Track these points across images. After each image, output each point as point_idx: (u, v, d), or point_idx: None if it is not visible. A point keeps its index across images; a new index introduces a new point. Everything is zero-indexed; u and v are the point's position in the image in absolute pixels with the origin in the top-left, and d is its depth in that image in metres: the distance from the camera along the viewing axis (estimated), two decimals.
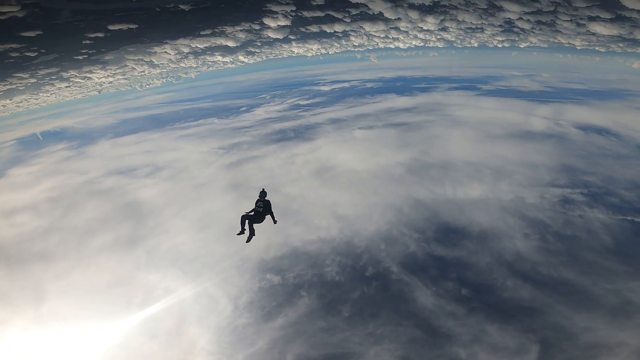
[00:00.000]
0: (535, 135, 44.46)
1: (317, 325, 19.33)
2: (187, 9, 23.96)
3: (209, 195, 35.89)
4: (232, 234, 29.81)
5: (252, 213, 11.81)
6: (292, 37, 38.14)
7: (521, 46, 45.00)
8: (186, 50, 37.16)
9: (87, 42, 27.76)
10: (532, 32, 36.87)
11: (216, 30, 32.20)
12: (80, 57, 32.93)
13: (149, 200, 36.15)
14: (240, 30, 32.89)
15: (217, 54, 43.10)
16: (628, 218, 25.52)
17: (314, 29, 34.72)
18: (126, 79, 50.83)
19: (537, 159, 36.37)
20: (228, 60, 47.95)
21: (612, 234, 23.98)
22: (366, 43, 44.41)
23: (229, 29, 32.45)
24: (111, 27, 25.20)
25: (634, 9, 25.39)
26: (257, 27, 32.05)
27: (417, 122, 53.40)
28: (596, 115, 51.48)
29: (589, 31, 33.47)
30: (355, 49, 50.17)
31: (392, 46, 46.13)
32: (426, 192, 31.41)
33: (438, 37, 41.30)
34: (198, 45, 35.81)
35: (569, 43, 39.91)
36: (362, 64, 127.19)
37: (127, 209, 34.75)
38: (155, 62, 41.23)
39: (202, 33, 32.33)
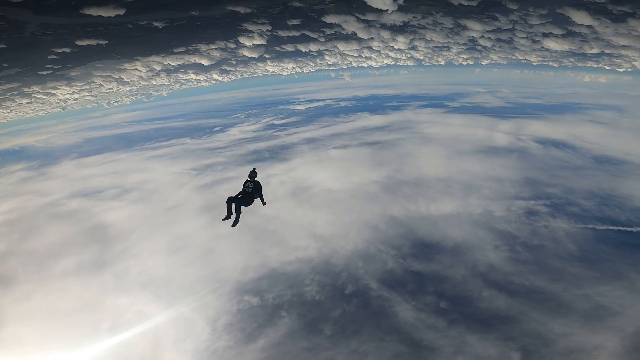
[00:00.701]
0: (499, 150, 46.90)
1: (300, 345, 18.94)
2: (160, 26, 23.78)
3: (181, 218, 34.76)
4: (206, 257, 28.67)
5: (240, 195, 11.25)
6: (267, 56, 38.69)
7: (483, 63, 48.27)
8: (158, 67, 36.60)
9: (53, 57, 26.77)
10: (492, 49, 39.74)
11: (190, 48, 32.08)
12: (45, 73, 31.63)
13: (116, 223, 34.41)
14: (215, 49, 32.98)
15: (190, 71, 42.79)
16: (589, 226, 27.18)
17: (289, 48, 35.47)
18: (93, 95, 49.08)
19: (502, 173, 38.23)
20: (202, 79, 47.69)
21: (575, 242, 25.32)
22: (340, 62, 45.85)
23: (203, 47, 32.44)
24: (79, 42, 24.41)
25: (582, 25, 27.94)
26: (233, 46, 32.29)
27: (390, 140, 54.83)
28: (553, 129, 55.40)
29: (543, 47, 36.46)
30: (330, 68, 51.58)
31: (365, 65, 47.99)
32: (401, 209, 32.03)
33: (408, 55, 43.48)
34: (171, 63, 35.44)
35: (525, 59, 43.27)
36: (336, 83, 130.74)
37: (93, 232, 32.97)
38: (125, 79, 40.24)
39: (175, 50, 32.06)
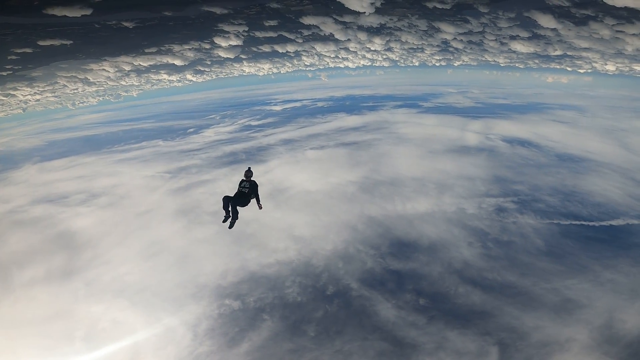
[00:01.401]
0: (469, 149, 48.71)
1: (285, 348, 18.86)
2: (131, 27, 22.90)
3: (155, 223, 33.49)
4: (184, 262, 27.95)
5: (235, 195, 10.95)
6: (243, 56, 38.26)
7: (455, 64, 50.43)
8: (128, 68, 35.24)
9: (13, 57, 25.24)
10: (464, 51, 41.63)
11: (162, 48, 31.15)
12: (4, 73, 29.77)
13: (85, 229, 32.77)
14: (189, 49, 32.25)
15: (162, 72, 41.47)
16: (554, 221, 28.80)
17: (266, 48, 35.28)
18: (56, 96, 46.44)
19: (473, 172, 39.76)
20: (175, 79, 46.38)
21: (542, 237, 26.70)
22: (317, 62, 46.15)
23: (176, 47, 31.60)
24: (42, 43, 23.10)
25: (547, 28, 29.75)
26: (207, 46, 31.69)
27: (367, 140, 55.48)
28: (519, 128, 58.40)
29: (510, 49, 38.65)
30: (307, 68, 51.75)
31: (342, 65, 48.60)
32: (378, 208, 32.52)
33: (384, 56, 44.51)
34: (142, 63, 34.25)
35: (494, 60, 45.69)
36: (313, 83, 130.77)
37: (60, 239, 31.26)
38: (92, 80, 38.44)
39: (146, 51, 30.99)
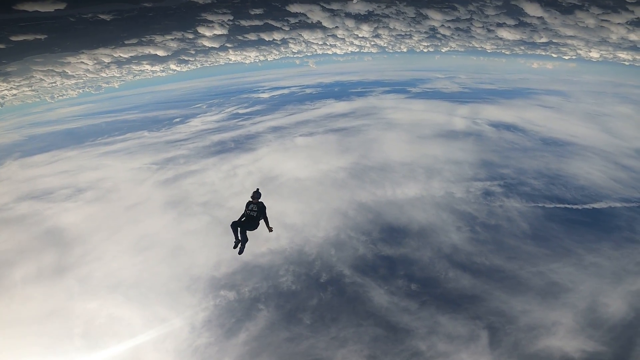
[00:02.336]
0: (457, 134, 49.42)
1: (281, 336, 19.19)
2: (108, 19, 21.98)
3: (145, 216, 33.13)
4: (176, 255, 27.75)
5: (244, 219, 10.61)
6: (229, 45, 37.40)
7: (443, 50, 50.58)
8: (107, 60, 34.03)
9: None
10: (451, 37, 41.77)
11: (143, 39, 30.08)
12: None
13: (73, 225, 32.21)
14: (172, 39, 31.26)
15: (144, 62, 40.19)
16: (539, 205, 29.64)
17: (252, 37, 34.52)
18: (34, 90, 44.66)
19: (461, 156, 40.45)
20: (158, 69, 45.05)
21: (527, 221, 27.49)
22: (305, 50, 45.53)
23: (158, 38, 30.57)
24: (14, 38, 22.08)
25: (534, 16, 30.03)
26: (191, 36, 30.78)
27: (356, 126, 55.64)
28: (505, 113, 59.44)
29: (497, 36, 39.01)
30: (294, 56, 50.99)
31: (329, 52, 48.09)
32: (368, 194, 32.86)
33: (372, 43, 44.24)
34: (122, 55, 33.08)
35: (481, 47, 46.02)
36: (301, 70, 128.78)
37: (48, 236, 30.66)
38: (70, 73, 37.02)
39: (126, 42, 29.88)
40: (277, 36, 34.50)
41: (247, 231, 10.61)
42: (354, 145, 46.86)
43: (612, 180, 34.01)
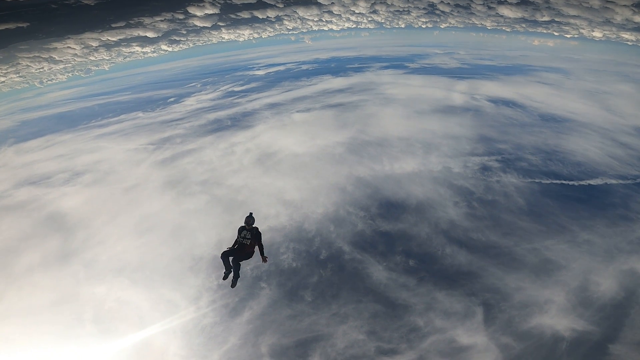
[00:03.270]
0: (455, 109, 49.22)
1: (284, 314, 19.73)
2: (92, 4, 21.09)
3: (144, 197, 33.18)
4: (178, 235, 28.12)
5: (236, 246, 9.70)
6: (221, 23, 36.35)
7: (442, 26, 49.57)
8: (95, 44, 33.15)
9: None
10: (451, 14, 40.72)
11: (131, 22, 29.10)
12: None
13: (74, 209, 32.25)
14: (161, 20, 30.25)
15: (134, 44, 39.07)
16: (536, 180, 29.86)
17: (245, 15, 33.49)
18: (21, 76, 43.65)
19: (459, 131, 40.46)
20: (148, 50, 43.86)
21: (524, 197, 27.80)
22: (300, 26, 44.42)
23: (147, 20, 29.58)
24: None
25: None
26: (181, 17, 29.77)
27: (353, 102, 55.25)
28: (504, 89, 58.75)
29: (498, 13, 37.97)
30: (289, 32, 49.69)
31: (325, 28, 46.94)
32: (366, 169, 33.04)
33: (369, 19, 43.18)
34: (110, 38, 32.15)
35: (481, 24, 45.05)
36: (297, 46, 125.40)
37: (50, 222, 30.73)
38: (57, 58, 36.17)
39: (113, 26, 28.88)
40: (271, 13, 33.49)
41: (241, 261, 9.56)
42: (351, 120, 46.74)
43: (609, 157, 34.14)
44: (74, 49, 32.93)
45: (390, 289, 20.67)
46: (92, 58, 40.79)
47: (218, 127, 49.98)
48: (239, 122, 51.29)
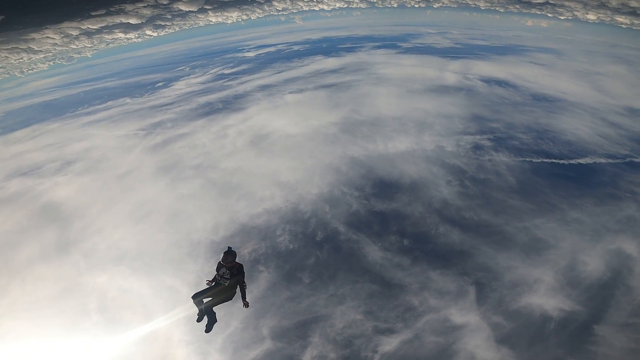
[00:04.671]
0: (448, 88, 49.21)
1: (283, 296, 20.07)
2: None
3: (138, 184, 32.95)
4: (174, 221, 28.16)
5: (213, 284, 8.30)
6: (207, 7, 35.27)
7: (435, 6, 48.78)
8: (75, 32, 32.03)
9: None
10: None
11: (112, 9, 27.95)
12: None
13: (68, 199, 31.94)
14: (144, 7, 29.09)
15: (117, 31, 37.73)
16: (527, 159, 30.31)
17: None
18: (1, 67, 42.08)
19: (451, 110, 40.57)
20: (132, 36, 42.46)
21: (515, 175, 28.19)
22: (290, 7, 43.37)
23: (128, 7, 28.68)
24: None
25: None
26: (165, 2, 28.66)
27: (346, 82, 54.88)
28: (497, 69, 58.83)
29: None
30: (279, 13, 48.44)
31: (316, 8, 45.87)
32: (360, 149, 33.11)
33: None
34: (90, 26, 31.13)
35: (474, 3, 44.47)
36: (287, 27, 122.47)
37: (45, 212, 30.42)
38: (36, 48, 35.00)
39: (93, 14, 27.69)
40: None
41: (216, 305, 8.14)
42: (344, 100, 46.52)
43: (599, 136, 34.63)
44: (53, 38, 31.90)
45: (385, 269, 21.06)
46: (73, 46, 39.60)
47: (209, 111, 49.48)
48: (231, 104, 50.81)
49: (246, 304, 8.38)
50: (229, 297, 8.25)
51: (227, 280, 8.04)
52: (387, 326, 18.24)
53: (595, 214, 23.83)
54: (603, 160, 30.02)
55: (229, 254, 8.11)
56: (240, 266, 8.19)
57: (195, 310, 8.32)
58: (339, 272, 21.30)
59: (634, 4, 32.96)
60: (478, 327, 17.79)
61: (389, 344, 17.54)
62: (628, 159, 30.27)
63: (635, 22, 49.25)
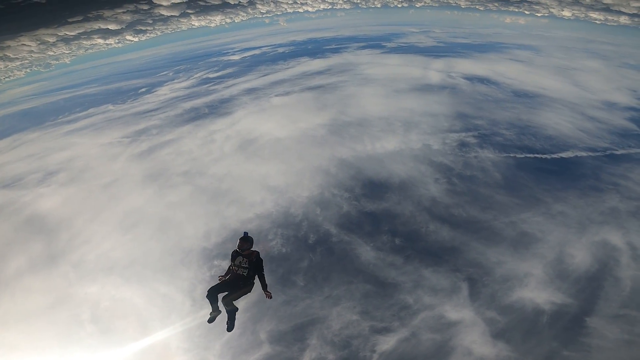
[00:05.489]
0: (433, 87, 50.08)
1: (279, 300, 20.07)
2: (44, 1, 19.64)
3: (125, 192, 32.28)
4: (164, 229, 27.82)
5: (229, 277, 7.61)
6: (190, 11, 34.91)
7: (417, 5, 49.54)
8: (52, 39, 31.21)
9: None
10: None
11: (90, 15, 27.36)
12: None
13: (53, 210, 31.15)
14: (123, 12, 28.57)
15: (95, 37, 36.97)
16: (511, 155, 31.09)
17: (215, 1, 32.05)
18: None
19: (437, 109, 41.29)
20: (112, 42, 41.65)
21: (500, 171, 28.91)
22: (274, 9, 43.23)
23: (107, 13, 28.00)
24: None
25: None
26: (146, 7, 28.22)
27: (332, 83, 55.18)
28: (479, 66, 60.27)
29: None
30: (263, 16, 48.31)
31: (300, 10, 45.94)
32: (348, 150, 33.29)
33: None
34: (67, 33, 30.31)
35: (455, 2, 45.42)
36: (272, 29, 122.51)
37: (30, 225, 29.67)
38: (12, 56, 33.97)
39: (70, 20, 27.07)
40: None
41: (236, 300, 7.41)
42: (331, 102, 46.71)
43: (579, 130, 35.85)
44: (29, 45, 31.02)
45: (379, 269, 21.25)
46: (50, 53, 38.54)
47: (195, 116, 48.83)
48: (217, 109, 50.29)
49: (269, 295, 7.68)
50: (248, 289, 7.57)
51: (245, 270, 7.33)
52: (384, 325, 18.40)
53: (579, 207, 24.48)
54: (584, 154, 31.00)
55: (246, 240, 7.39)
56: (259, 255, 7.52)
57: (206, 311, 7.59)
58: (333, 273, 21.41)
59: (607, 0, 34.31)
60: (473, 322, 18.08)
61: (387, 343, 17.69)
62: (608, 152, 31.34)
63: (609, 18, 51.42)
